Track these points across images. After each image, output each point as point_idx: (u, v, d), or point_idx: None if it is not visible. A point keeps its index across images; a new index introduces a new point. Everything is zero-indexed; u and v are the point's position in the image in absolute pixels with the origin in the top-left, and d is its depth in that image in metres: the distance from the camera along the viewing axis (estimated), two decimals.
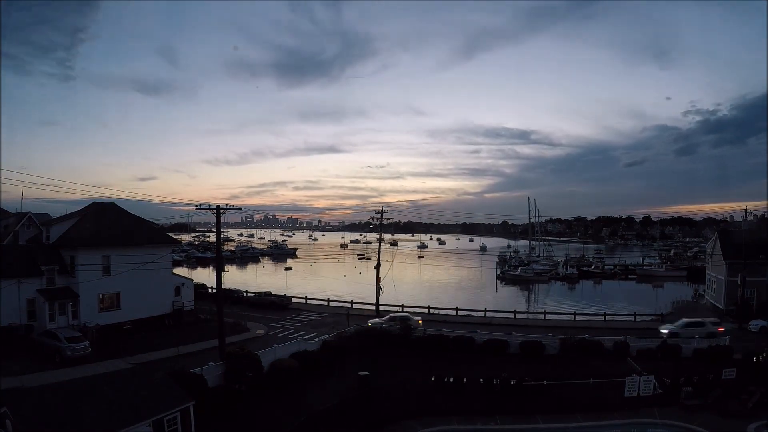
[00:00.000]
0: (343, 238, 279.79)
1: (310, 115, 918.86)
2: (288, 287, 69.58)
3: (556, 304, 68.80)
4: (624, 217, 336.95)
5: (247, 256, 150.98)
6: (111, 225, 44.06)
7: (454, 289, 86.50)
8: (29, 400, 19.15)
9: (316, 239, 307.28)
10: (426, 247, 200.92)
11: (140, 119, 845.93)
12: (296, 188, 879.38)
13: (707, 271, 63.59)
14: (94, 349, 33.75)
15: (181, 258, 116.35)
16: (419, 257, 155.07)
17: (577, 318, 53.35)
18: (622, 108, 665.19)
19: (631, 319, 52.60)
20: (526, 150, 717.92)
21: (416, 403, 27.85)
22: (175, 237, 64.27)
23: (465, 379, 30.31)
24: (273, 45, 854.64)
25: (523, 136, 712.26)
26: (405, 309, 55.46)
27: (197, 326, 44.08)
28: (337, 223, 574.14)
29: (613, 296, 77.25)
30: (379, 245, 60.55)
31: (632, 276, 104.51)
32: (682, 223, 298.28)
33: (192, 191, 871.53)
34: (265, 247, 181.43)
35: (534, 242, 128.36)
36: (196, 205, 32.33)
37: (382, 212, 56.13)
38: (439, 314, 54.06)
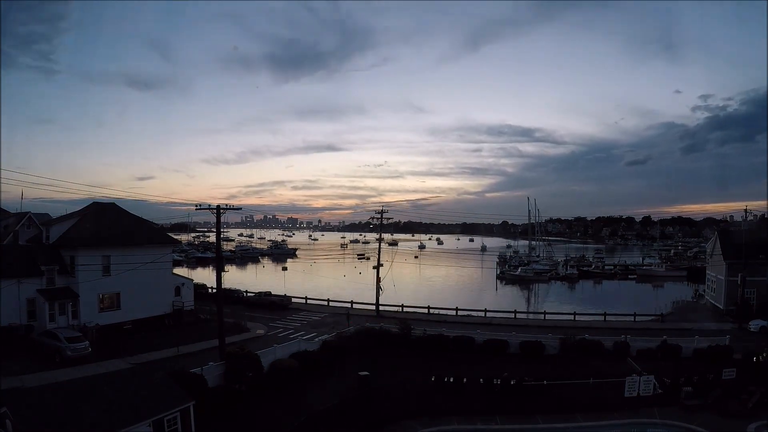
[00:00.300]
0: (343, 237, 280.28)
1: (308, 113, 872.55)
2: (288, 287, 69.51)
3: (556, 304, 68.75)
4: (624, 217, 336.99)
5: (247, 256, 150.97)
6: (111, 225, 44.06)
7: (454, 289, 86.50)
8: (29, 400, 19.15)
9: (316, 239, 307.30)
10: (425, 247, 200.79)
11: (135, 116, 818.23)
12: (295, 188, 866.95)
13: (707, 271, 63.61)
14: (94, 349, 33.74)
15: (181, 258, 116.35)
16: (415, 257, 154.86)
17: (577, 318, 53.34)
18: (627, 104, 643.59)
19: (631, 319, 52.57)
20: (528, 148, 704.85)
21: (416, 403, 27.84)
22: (175, 237, 64.31)
23: (465, 379, 30.31)
24: (268, 36, 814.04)
25: (526, 134, 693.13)
26: (405, 309, 55.52)
27: (197, 326, 44.08)
28: (337, 223, 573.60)
29: (613, 296, 77.29)
30: (379, 245, 60.60)
31: (632, 276, 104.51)
32: (682, 223, 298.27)
33: (191, 191, 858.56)
34: (265, 247, 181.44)
35: (534, 242, 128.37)
36: (196, 205, 32.36)
37: (382, 212, 56.18)
38: (439, 314, 54.03)
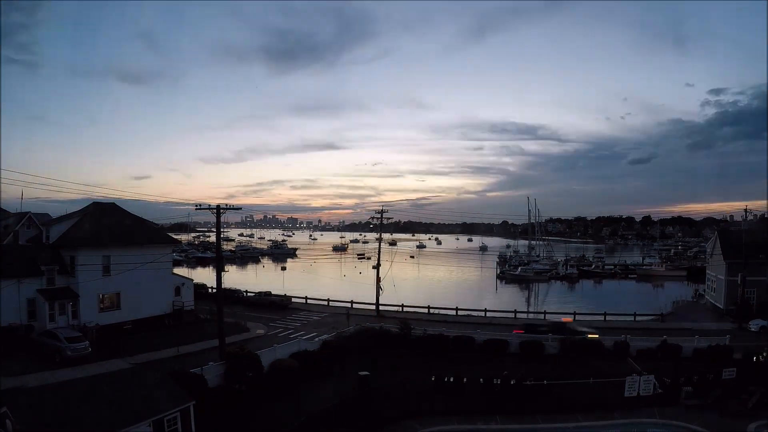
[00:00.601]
0: (342, 237, 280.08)
1: (306, 109, 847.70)
2: (288, 287, 69.51)
3: (556, 304, 68.80)
4: (624, 216, 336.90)
5: (247, 256, 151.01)
6: (111, 225, 44.06)
7: (454, 289, 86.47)
8: (29, 400, 19.15)
9: (315, 239, 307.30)
10: (424, 246, 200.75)
11: (128, 113, 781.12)
12: (293, 187, 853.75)
13: (707, 271, 63.60)
14: (94, 349, 33.73)
15: (181, 258, 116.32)
16: (411, 256, 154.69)
17: (577, 318, 53.31)
18: (635, 99, 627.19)
19: (631, 318, 52.61)
20: (531, 146, 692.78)
21: (416, 403, 27.83)
22: (175, 237, 64.31)
23: (465, 379, 30.30)
24: (261, 25, 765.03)
25: (530, 132, 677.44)
26: (405, 309, 55.51)
27: (197, 326, 44.06)
28: (337, 223, 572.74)
29: (613, 296, 77.24)
30: (379, 245, 60.62)
31: (632, 276, 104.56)
32: (682, 222, 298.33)
33: (188, 190, 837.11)
34: (266, 247, 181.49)
35: (534, 242, 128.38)
36: (196, 205, 32.37)
37: (381, 212, 56.18)
38: (439, 314, 54.04)
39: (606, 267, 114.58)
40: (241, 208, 35.54)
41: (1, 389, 20.82)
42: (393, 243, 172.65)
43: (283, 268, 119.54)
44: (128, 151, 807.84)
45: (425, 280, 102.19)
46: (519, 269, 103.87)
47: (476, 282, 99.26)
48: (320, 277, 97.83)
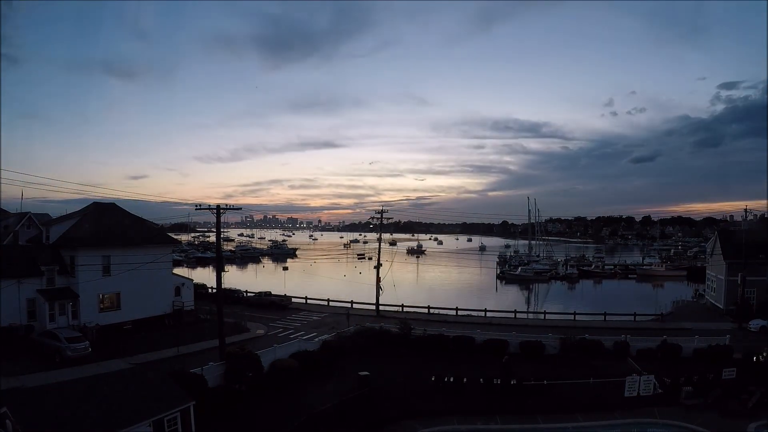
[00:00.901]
0: (342, 237, 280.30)
1: (303, 106, 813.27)
2: (288, 287, 69.52)
3: (556, 304, 68.81)
4: (626, 216, 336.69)
5: (247, 256, 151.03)
6: (111, 225, 44.05)
7: (454, 289, 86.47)
8: (29, 400, 19.14)
9: (316, 239, 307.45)
10: (422, 246, 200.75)
11: (121, 110, 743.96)
12: (292, 186, 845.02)
13: (707, 271, 63.63)
14: (94, 349, 33.76)
15: (181, 258, 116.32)
16: (416, 257, 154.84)
17: (577, 318, 53.35)
18: (643, 95, 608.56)
19: (631, 318, 52.62)
20: (534, 145, 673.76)
21: (416, 403, 27.83)
22: (175, 237, 64.29)
23: (465, 379, 30.29)
24: (253, 13, 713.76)
25: (533, 129, 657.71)
26: (405, 309, 55.51)
27: (197, 326, 44.06)
28: (337, 223, 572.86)
29: (613, 296, 77.22)
30: (379, 245, 60.62)
31: (632, 276, 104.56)
32: (682, 222, 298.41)
33: (186, 190, 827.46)
34: (265, 247, 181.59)
35: (534, 242, 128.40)
36: (196, 205, 32.38)
37: (381, 212, 56.20)
38: (439, 314, 54.04)
39: (606, 267, 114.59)
40: (241, 208, 35.62)
41: (1, 389, 20.82)
42: (393, 243, 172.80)
43: (285, 268, 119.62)
44: (124, 150, 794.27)
45: (425, 280, 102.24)
46: (519, 269, 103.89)
47: (476, 282, 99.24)
48: (320, 278, 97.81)
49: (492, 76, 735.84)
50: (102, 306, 40.72)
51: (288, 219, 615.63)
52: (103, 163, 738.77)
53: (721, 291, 55.23)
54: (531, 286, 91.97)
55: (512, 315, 54.63)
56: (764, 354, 32.48)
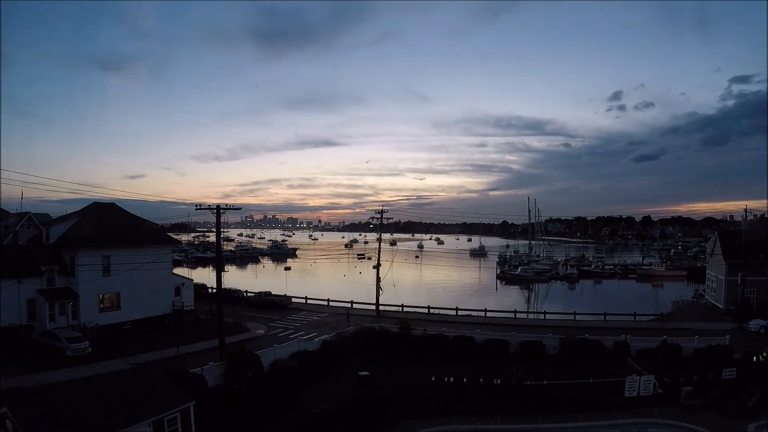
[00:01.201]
0: (343, 237, 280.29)
1: (300, 102, 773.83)
2: (288, 287, 69.54)
3: (556, 304, 68.78)
4: (626, 216, 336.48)
5: (247, 256, 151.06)
6: (111, 225, 44.04)
7: (454, 289, 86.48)
8: (29, 400, 19.14)
9: (316, 239, 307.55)
10: (423, 247, 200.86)
11: (116, 108, 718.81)
12: (290, 186, 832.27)
13: (707, 271, 63.64)
14: (94, 349, 33.77)
15: (181, 258, 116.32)
16: (416, 256, 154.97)
17: (577, 318, 53.36)
18: (650, 90, 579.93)
19: (631, 319, 52.62)
20: (536, 143, 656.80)
21: (416, 403, 27.84)
22: (175, 237, 64.28)
23: (465, 379, 30.31)
24: (247, 1, 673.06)
25: (537, 127, 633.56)
26: (405, 309, 55.51)
27: (197, 326, 44.07)
28: (337, 223, 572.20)
29: (613, 296, 77.22)
30: (379, 245, 60.60)
31: (632, 276, 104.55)
32: (682, 222, 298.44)
33: (183, 190, 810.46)
34: (265, 247, 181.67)
35: (534, 242, 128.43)
36: (196, 205, 32.38)
37: (381, 212, 56.20)
38: (439, 314, 54.03)
39: (606, 267, 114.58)
40: (241, 208, 35.62)
41: (1, 389, 20.81)
42: (393, 243, 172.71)
43: (287, 269, 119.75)
44: (121, 148, 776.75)
45: (425, 281, 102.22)
46: (519, 269, 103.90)
47: (476, 282, 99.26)
48: (320, 277, 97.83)
49: (495, 71, 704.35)
50: (102, 306, 40.72)
51: (288, 219, 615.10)
52: (101, 163, 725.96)
53: (721, 291, 55.23)
54: (531, 286, 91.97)
55: (512, 315, 54.63)
56: (764, 354, 32.47)
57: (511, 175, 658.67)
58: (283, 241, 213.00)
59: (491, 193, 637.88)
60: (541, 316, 56.19)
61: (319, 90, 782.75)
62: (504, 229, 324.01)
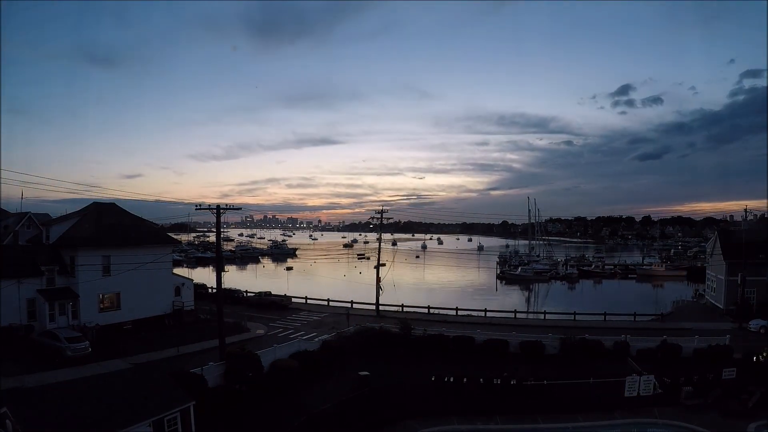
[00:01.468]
0: (344, 237, 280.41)
1: (297, 99, 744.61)
2: (288, 287, 69.55)
3: (556, 304, 68.79)
4: (626, 216, 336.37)
5: (247, 256, 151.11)
6: (111, 225, 44.02)
7: (454, 289, 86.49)
8: (29, 400, 19.15)
9: (316, 239, 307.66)
10: (426, 247, 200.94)
11: (112, 106, 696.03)
12: (289, 186, 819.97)
13: (707, 271, 63.62)
14: (94, 350, 33.75)
15: (181, 258, 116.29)
16: (416, 257, 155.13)
17: (577, 318, 53.35)
18: (658, 85, 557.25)
19: (631, 319, 52.62)
20: (539, 141, 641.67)
21: (416, 403, 27.86)
22: (175, 237, 64.28)
23: (465, 379, 30.32)
24: None
25: (541, 125, 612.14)
26: (405, 309, 55.52)
27: (197, 326, 44.06)
28: (338, 223, 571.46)
29: (613, 296, 77.24)
30: (379, 245, 60.61)
31: (632, 276, 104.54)
32: (682, 222, 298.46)
33: (181, 189, 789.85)
34: (265, 247, 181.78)
35: (534, 242, 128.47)
36: (196, 205, 32.39)
37: (382, 212, 56.20)
38: (439, 314, 54.02)
39: (606, 267, 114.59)
40: (241, 208, 35.64)
41: (1, 389, 20.81)
42: (394, 243, 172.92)
43: (289, 269, 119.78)
44: (117, 147, 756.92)
45: (425, 281, 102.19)
46: (519, 269, 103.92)
47: (476, 282, 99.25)
48: (320, 277, 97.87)
49: (499, 65, 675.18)
50: (102, 306, 40.71)
51: (288, 219, 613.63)
52: (97, 162, 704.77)
53: (721, 291, 55.22)
54: (531, 286, 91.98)
55: (512, 315, 54.63)
56: (764, 354, 32.47)
57: (513, 174, 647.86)
58: (284, 241, 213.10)
59: (492, 192, 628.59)
60: (541, 316, 56.17)
61: (317, 86, 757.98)
62: (504, 229, 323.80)
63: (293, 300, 59.57)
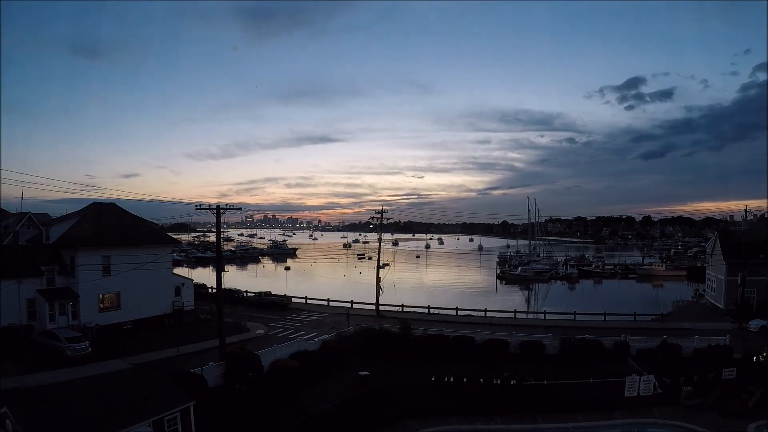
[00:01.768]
0: (344, 237, 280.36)
1: (294, 95, 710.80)
2: (288, 287, 69.55)
3: (556, 304, 68.79)
4: (626, 216, 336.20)
5: (247, 256, 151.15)
6: (111, 225, 44.02)
7: (454, 289, 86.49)
8: (29, 400, 19.16)
9: (316, 239, 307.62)
10: (429, 247, 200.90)
11: (106, 103, 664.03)
12: (288, 185, 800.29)
13: (707, 271, 63.62)
14: (94, 350, 33.75)
15: (181, 258, 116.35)
16: (416, 257, 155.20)
17: (577, 318, 53.34)
18: (667, 79, 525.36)
19: (631, 319, 52.64)
20: (542, 140, 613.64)
21: (416, 403, 27.86)
22: (175, 237, 64.29)
23: (465, 379, 30.33)
24: None
25: (546, 122, 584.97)
26: (405, 309, 55.52)
27: (197, 326, 44.06)
28: (338, 223, 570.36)
29: (613, 296, 77.24)
30: (379, 245, 60.59)
31: (632, 276, 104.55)
32: (682, 222, 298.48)
33: (179, 189, 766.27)
34: (265, 247, 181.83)
35: (534, 242, 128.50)
36: (196, 205, 32.40)
37: (382, 212, 56.18)
38: (439, 314, 54.01)
39: (606, 267, 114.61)
40: (241, 208, 35.67)
41: (1, 389, 20.81)
42: (395, 243, 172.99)
43: (287, 268, 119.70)
44: (114, 146, 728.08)
45: (425, 281, 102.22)
46: (519, 269, 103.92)
47: (476, 282, 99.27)
48: (320, 277, 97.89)
49: (503, 58, 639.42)
50: (102, 306, 40.71)
51: (288, 219, 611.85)
52: (94, 161, 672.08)
53: (721, 291, 55.22)
54: (531, 286, 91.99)
55: (512, 315, 54.62)
56: (764, 354, 32.48)
57: (514, 173, 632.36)
58: (284, 241, 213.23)
59: (494, 192, 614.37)
60: (541, 316, 56.20)
61: (314, 80, 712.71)
62: (504, 229, 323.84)
63: (293, 300, 59.57)
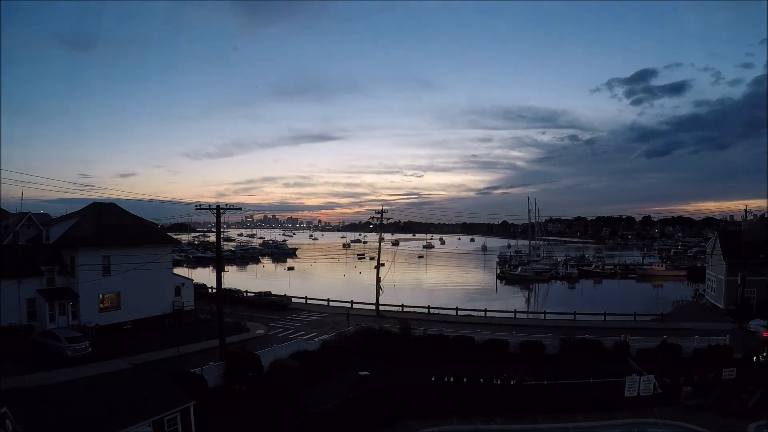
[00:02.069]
0: (344, 237, 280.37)
1: (291, 92, 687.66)
2: (288, 287, 69.57)
3: (556, 304, 68.78)
4: (626, 216, 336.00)
5: (247, 256, 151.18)
6: (111, 225, 44.02)
7: (454, 289, 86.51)
8: (29, 400, 19.17)
9: (316, 239, 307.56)
10: (432, 246, 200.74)
11: (102, 102, 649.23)
12: (286, 185, 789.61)
13: (707, 271, 63.62)
14: (94, 350, 33.76)
15: (181, 258, 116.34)
16: (419, 257, 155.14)
17: (577, 318, 53.36)
18: (676, 73, 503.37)
19: (631, 319, 52.63)
20: (544, 138, 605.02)
21: (416, 403, 27.86)
22: (175, 237, 64.30)
23: (465, 379, 30.33)
24: None
25: (549, 119, 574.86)
26: (405, 309, 55.52)
27: (197, 326, 44.05)
28: (337, 223, 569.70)
29: (613, 296, 77.23)
30: (379, 245, 60.57)
31: (632, 276, 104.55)
32: (682, 222, 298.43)
33: (178, 189, 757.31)
34: (257, 245, 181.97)
35: (534, 242, 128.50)
36: (196, 205, 32.40)
37: (382, 212, 56.18)
38: (439, 314, 54.02)
39: (606, 267, 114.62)
40: (241, 208, 35.63)
41: (1, 389, 20.82)
42: (396, 243, 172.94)
43: (290, 268, 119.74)
44: (111, 146, 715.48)
45: (425, 281, 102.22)
46: (519, 269, 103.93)
47: (476, 282, 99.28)
48: (320, 277, 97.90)
49: (508, 52, 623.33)
50: (102, 306, 40.72)
51: (288, 219, 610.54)
52: (91, 161, 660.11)
53: (721, 291, 55.23)
54: (531, 286, 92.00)
55: (512, 315, 54.63)
56: (764, 354, 32.49)
57: (515, 172, 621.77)
58: (283, 241, 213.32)
59: (495, 191, 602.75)
60: (541, 316, 56.19)
61: (312, 76, 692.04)
62: (504, 229, 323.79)
63: (293, 300, 59.56)
